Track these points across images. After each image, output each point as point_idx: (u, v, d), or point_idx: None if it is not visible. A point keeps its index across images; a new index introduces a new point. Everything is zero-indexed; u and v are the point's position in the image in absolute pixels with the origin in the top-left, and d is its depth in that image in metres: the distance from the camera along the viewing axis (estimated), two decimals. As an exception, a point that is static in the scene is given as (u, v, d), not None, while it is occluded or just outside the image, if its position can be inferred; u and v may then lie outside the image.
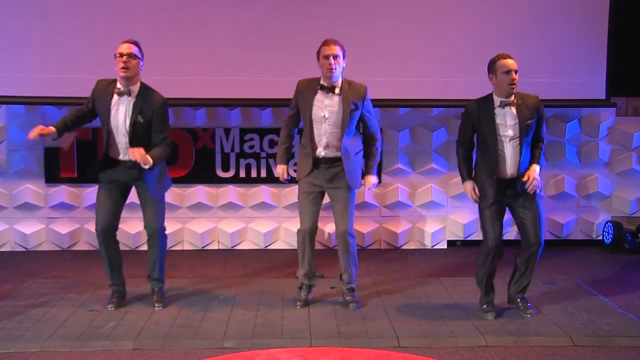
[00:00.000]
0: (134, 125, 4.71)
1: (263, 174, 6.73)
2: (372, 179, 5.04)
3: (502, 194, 4.66)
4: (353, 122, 4.85)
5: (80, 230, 6.67)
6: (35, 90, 6.13)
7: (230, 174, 6.73)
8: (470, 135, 4.77)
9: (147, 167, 4.62)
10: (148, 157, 4.61)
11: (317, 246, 6.65)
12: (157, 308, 4.96)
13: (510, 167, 4.64)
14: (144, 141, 4.73)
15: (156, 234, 4.93)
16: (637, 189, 6.92)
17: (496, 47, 6.14)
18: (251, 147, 6.69)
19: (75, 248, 6.68)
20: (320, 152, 4.87)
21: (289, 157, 5.10)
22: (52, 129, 4.72)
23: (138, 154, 4.58)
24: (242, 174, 6.73)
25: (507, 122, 4.61)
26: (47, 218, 6.65)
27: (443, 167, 6.83)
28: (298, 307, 4.98)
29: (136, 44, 4.74)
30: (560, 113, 6.80)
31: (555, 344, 4.40)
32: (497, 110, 4.62)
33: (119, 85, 4.75)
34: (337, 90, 4.79)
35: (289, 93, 5.00)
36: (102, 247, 4.92)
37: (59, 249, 6.65)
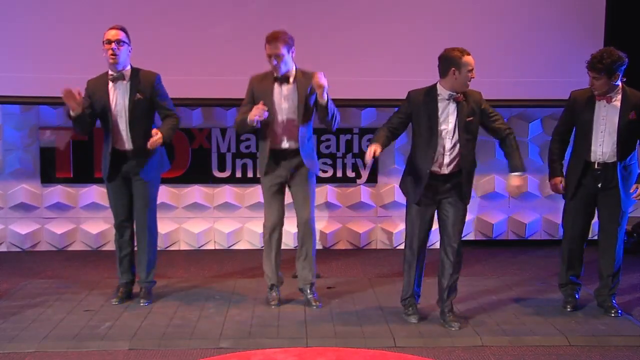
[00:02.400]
0: (133, 105, 4.72)
1: (259, 174, 6.71)
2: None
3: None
4: (309, 110, 4.78)
5: (76, 231, 6.66)
6: (31, 90, 6.11)
7: (227, 174, 6.73)
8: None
9: (155, 145, 4.66)
10: (157, 138, 4.64)
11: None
12: (142, 304, 4.98)
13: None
14: (142, 124, 4.76)
15: (145, 231, 4.96)
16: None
17: (495, 47, 6.21)
18: (247, 147, 6.69)
19: (71, 248, 6.67)
20: (283, 143, 4.82)
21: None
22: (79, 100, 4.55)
23: (152, 142, 4.66)
24: (238, 174, 6.72)
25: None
26: (42, 218, 6.64)
27: (439, 167, 6.82)
28: (273, 307, 4.93)
29: (123, 29, 4.72)
30: (555, 113, 6.80)
31: (551, 343, 4.41)
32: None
33: (110, 72, 4.75)
34: (291, 80, 4.73)
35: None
36: (117, 243, 5.04)
37: (54, 249, 6.64)
